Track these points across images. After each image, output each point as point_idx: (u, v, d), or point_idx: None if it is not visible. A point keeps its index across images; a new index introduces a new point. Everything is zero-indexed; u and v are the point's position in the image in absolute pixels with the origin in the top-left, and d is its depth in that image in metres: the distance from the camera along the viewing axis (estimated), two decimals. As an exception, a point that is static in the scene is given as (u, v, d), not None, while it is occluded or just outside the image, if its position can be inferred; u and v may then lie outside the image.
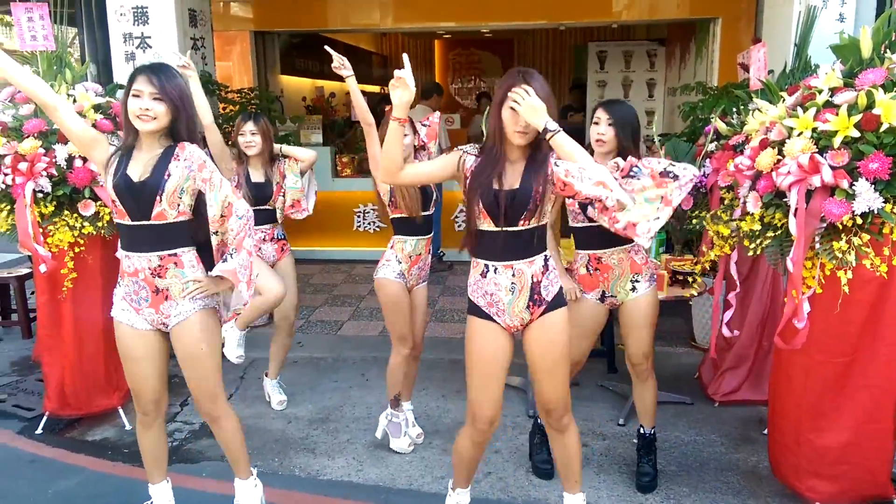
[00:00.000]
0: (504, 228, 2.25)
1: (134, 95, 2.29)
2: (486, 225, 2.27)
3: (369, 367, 4.40)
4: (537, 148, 2.25)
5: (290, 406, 3.87)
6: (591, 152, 2.88)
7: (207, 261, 2.46)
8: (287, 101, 7.79)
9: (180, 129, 2.37)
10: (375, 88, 11.84)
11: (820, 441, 2.66)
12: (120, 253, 2.44)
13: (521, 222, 2.25)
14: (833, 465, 2.66)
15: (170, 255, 2.38)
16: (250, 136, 3.56)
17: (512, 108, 2.17)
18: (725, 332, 3.25)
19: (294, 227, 4.61)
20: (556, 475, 3.03)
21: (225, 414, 2.59)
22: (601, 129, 2.82)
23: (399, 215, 3.17)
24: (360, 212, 7.08)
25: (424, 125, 3.27)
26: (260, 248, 3.69)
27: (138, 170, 2.33)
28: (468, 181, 2.29)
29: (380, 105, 10.54)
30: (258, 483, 2.75)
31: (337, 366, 4.45)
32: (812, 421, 2.66)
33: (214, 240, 2.40)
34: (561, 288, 2.41)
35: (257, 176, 3.64)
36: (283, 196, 3.70)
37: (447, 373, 4.27)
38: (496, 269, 2.31)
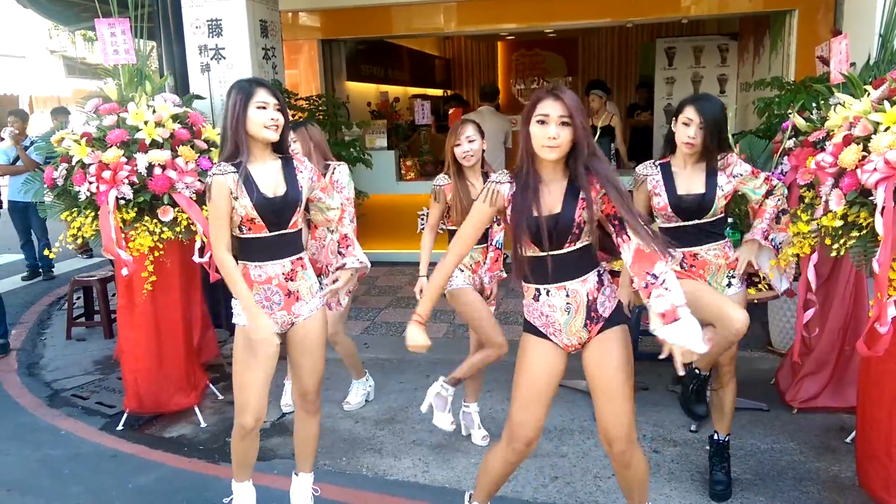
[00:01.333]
0: (550, 253, 2.16)
1: (259, 107, 2.39)
2: (532, 251, 2.18)
3: (434, 368, 4.42)
4: (574, 164, 2.12)
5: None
6: (672, 148, 2.82)
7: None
8: (353, 106, 7.92)
9: (286, 137, 2.54)
10: (438, 92, 11.91)
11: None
12: (246, 265, 2.49)
13: (567, 245, 2.16)
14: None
15: (298, 258, 2.57)
16: (292, 144, 3.62)
17: (540, 122, 2.07)
18: (804, 332, 3.12)
19: (359, 230, 4.67)
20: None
21: (319, 411, 2.75)
22: (691, 132, 2.69)
23: (452, 227, 3.23)
24: (423, 214, 7.12)
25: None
26: None
27: (269, 185, 2.46)
28: (508, 211, 2.19)
29: (444, 107, 10.65)
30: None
31: (402, 367, 4.49)
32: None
33: (333, 236, 2.77)
34: (620, 304, 2.30)
35: None
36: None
37: (511, 374, 4.23)
38: (548, 291, 2.22)
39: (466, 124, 3.19)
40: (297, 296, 2.56)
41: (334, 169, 3.64)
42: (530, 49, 11.89)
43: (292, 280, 2.54)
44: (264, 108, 2.39)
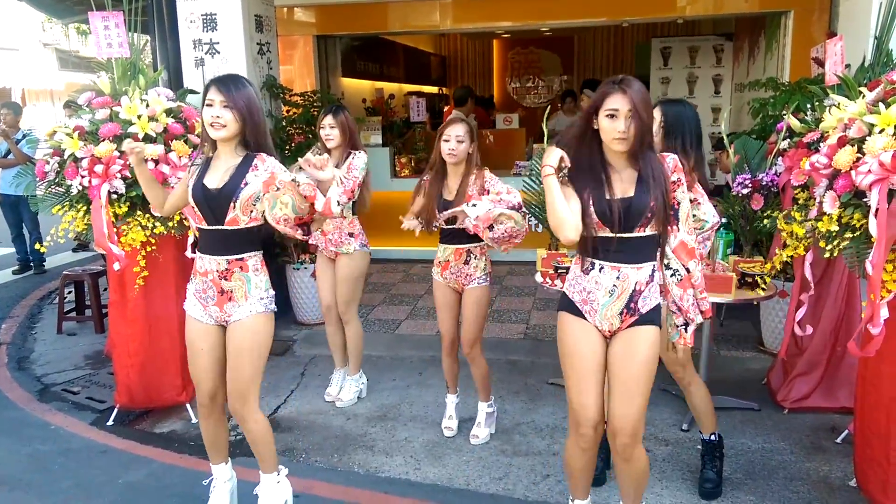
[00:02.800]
0: (618, 235, 2.20)
1: (207, 105, 2.42)
2: (603, 232, 2.22)
3: (426, 366, 4.42)
4: (644, 155, 2.17)
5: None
6: None
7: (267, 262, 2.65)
8: (347, 102, 7.86)
9: (249, 135, 2.48)
10: (433, 89, 11.90)
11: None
12: (196, 253, 2.60)
13: (637, 229, 2.20)
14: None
15: (237, 259, 2.52)
16: (329, 130, 3.65)
17: (609, 116, 2.14)
18: (797, 330, 3.12)
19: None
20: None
21: (252, 418, 2.63)
22: (653, 129, 2.74)
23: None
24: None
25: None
26: (324, 244, 3.78)
27: (216, 178, 2.48)
28: (574, 187, 2.23)
29: (439, 104, 10.61)
30: (282, 481, 2.76)
31: (395, 364, 4.48)
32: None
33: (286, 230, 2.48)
34: (658, 305, 2.29)
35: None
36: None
37: (504, 374, 4.25)
38: (602, 268, 2.26)
39: (458, 124, 3.18)
40: (230, 296, 2.53)
41: (355, 155, 3.66)
42: (525, 47, 11.89)
43: (226, 279, 2.52)
44: (210, 105, 2.41)
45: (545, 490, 3.02)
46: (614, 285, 2.24)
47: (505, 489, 3.03)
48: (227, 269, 2.51)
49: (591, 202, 2.19)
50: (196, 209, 2.50)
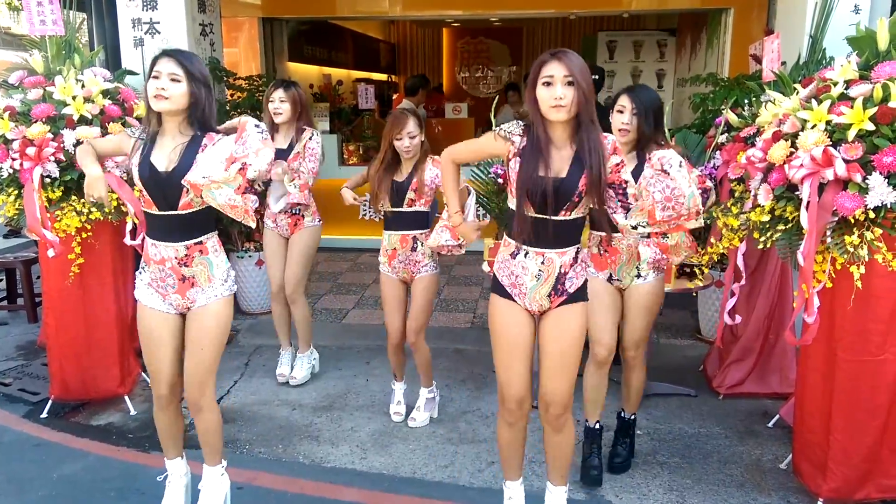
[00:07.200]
0: (545, 216, 2.21)
1: (154, 77, 2.30)
2: (528, 210, 2.22)
3: (374, 355, 4.41)
4: (584, 130, 2.14)
5: (294, 393, 3.88)
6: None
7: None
8: (294, 88, 7.76)
9: (197, 113, 2.34)
10: (383, 76, 11.80)
11: (850, 442, 2.61)
12: (146, 240, 2.45)
13: (563, 212, 2.20)
14: (859, 464, 2.63)
15: (195, 243, 2.43)
16: (279, 103, 3.64)
17: (546, 84, 2.10)
18: (727, 319, 3.23)
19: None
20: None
21: (209, 406, 2.56)
22: (625, 118, 2.76)
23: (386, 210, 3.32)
24: (365, 200, 7.04)
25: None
26: (276, 220, 3.82)
27: (163, 159, 2.33)
28: (518, 164, 2.21)
29: (388, 92, 10.51)
30: (224, 473, 2.69)
31: (341, 354, 4.46)
32: (842, 420, 2.61)
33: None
34: (585, 282, 2.35)
35: (280, 142, 3.70)
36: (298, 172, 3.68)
37: (451, 362, 4.27)
38: (527, 253, 2.28)
39: (407, 121, 3.15)
40: (193, 282, 2.44)
41: (312, 135, 3.68)
42: (475, 37, 11.90)
43: (187, 266, 2.42)
44: (156, 77, 2.29)
45: (490, 477, 3.06)
46: (540, 270, 2.28)
47: (450, 476, 3.06)
48: (186, 256, 2.41)
49: (526, 181, 2.18)
50: (144, 192, 2.35)
